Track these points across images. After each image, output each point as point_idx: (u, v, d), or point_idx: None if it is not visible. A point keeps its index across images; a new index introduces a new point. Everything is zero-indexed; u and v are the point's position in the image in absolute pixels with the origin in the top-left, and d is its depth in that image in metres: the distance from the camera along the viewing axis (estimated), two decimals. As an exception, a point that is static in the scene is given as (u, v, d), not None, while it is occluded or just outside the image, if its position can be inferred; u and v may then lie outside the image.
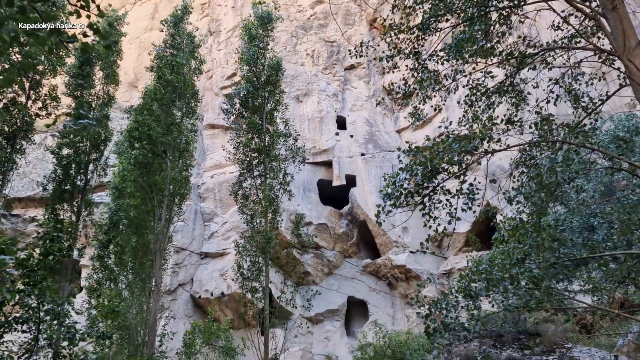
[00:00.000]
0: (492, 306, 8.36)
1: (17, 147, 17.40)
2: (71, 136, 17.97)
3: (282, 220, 17.71)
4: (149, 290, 18.29)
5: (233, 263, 29.27)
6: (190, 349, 16.96)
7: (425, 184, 7.00)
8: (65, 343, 9.50)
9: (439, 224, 7.20)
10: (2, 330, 7.44)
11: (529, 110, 8.27)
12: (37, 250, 9.83)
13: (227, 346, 19.14)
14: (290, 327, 26.06)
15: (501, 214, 9.28)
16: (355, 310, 31.25)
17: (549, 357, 12.47)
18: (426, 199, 7.23)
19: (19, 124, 16.78)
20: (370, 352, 16.06)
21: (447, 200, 7.38)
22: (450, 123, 7.58)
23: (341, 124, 35.94)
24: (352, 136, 35.02)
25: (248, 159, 16.14)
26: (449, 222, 7.20)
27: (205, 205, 33.31)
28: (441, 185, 7.20)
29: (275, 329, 23.45)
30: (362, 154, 34.03)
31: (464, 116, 8.91)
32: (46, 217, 17.58)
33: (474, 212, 7.29)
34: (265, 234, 14.78)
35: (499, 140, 7.01)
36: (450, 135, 6.97)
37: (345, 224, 32.75)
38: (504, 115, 8.56)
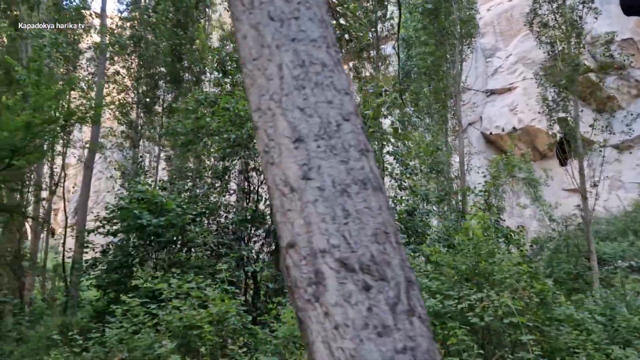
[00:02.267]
0: None
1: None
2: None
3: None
4: (446, 130, 19.67)
5: (522, 97, 28.47)
6: (497, 181, 18.02)
7: None
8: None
9: None
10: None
11: None
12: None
13: (529, 177, 19.61)
14: (595, 156, 24.53)
15: None
16: (677, 133, 27.20)
17: None
18: None
19: None
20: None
21: None
22: None
23: None
24: None
25: (544, -19, 14.79)
26: None
27: (484, 41, 32.11)
28: None
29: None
30: (682, -60, 26.75)
31: None
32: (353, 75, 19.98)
33: None
34: (571, 61, 13.84)
35: None
36: None
37: (658, 34, 27.51)
38: None
